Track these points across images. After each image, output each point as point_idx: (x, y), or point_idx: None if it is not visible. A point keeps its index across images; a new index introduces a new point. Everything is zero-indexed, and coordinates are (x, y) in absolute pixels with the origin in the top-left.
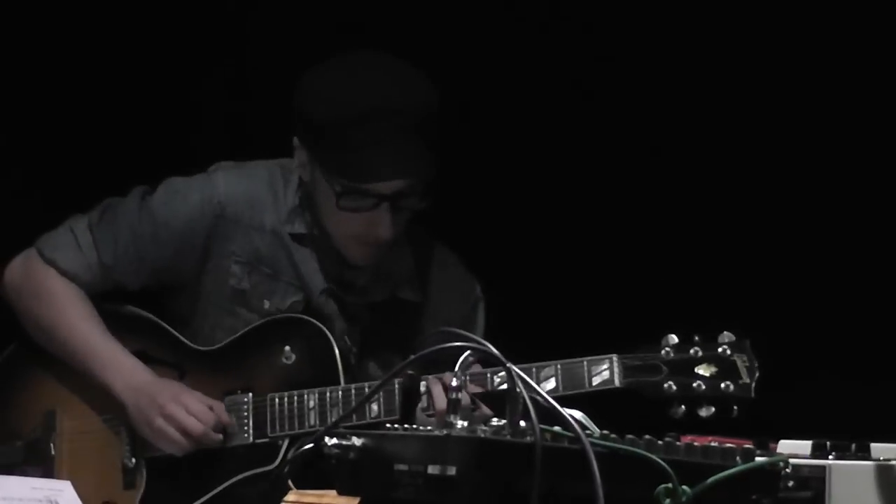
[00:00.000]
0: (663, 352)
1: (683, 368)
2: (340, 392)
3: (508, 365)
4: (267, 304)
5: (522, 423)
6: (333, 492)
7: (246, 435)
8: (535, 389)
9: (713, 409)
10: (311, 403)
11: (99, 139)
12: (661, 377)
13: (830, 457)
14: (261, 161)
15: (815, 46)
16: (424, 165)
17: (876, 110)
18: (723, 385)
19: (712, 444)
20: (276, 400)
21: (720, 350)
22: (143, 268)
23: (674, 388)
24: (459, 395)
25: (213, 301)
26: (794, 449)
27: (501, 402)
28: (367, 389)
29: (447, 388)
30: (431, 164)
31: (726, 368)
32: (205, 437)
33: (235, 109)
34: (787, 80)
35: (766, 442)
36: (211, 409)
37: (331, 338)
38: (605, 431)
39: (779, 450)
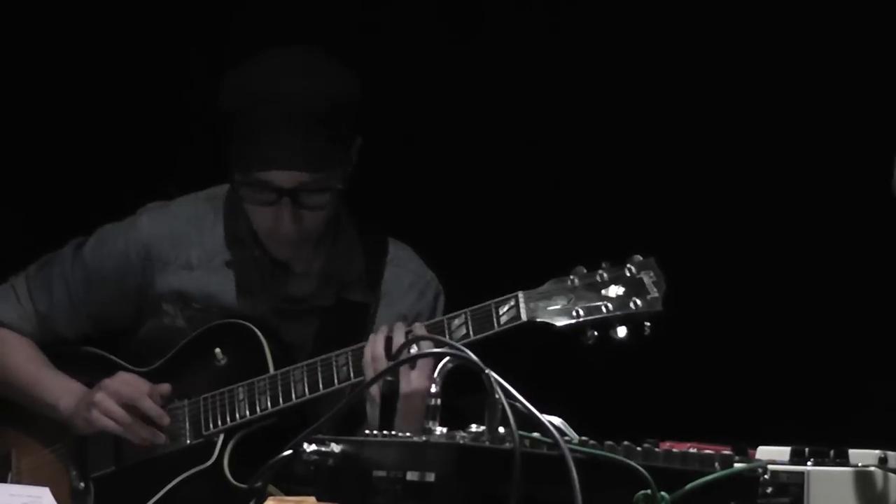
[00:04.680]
0: (570, 281)
1: (590, 293)
2: (267, 380)
3: (487, 371)
4: (202, 328)
5: (501, 430)
6: (312, 498)
7: (184, 438)
8: (513, 396)
9: (625, 329)
10: (241, 395)
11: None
12: (567, 305)
13: (809, 463)
14: (189, 196)
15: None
16: (325, 161)
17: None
18: (631, 303)
19: (691, 450)
20: (209, 399)
21: (626, 271)
22: (78, 316)
23: (581, 313)
24: (437, 400)
25: (155, 341)
26: (773, 455)
27: (478, 406)
28: (290, 374)
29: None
30: (336, 160)
31: (634, 286)
32: (141, 401)
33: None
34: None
35: (744, 448)
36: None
37: (258, 332)
38: (584, 437)
39: (757, 456)
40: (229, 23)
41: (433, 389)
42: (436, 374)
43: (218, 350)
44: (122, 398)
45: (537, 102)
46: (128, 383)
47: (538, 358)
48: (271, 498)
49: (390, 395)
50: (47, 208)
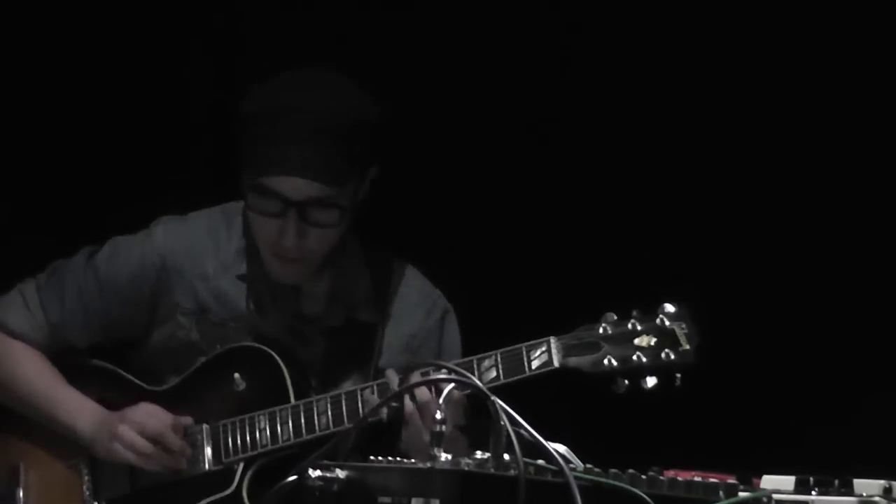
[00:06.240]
0: (601, 329)
1: (622, 342)
2: (289, 409)
3: (493, 398)
4: (219, 350)
5: (506, 456)
6: None
7: (202, 464)
8: (518, 423)
9: (656, 379)
10: (262, 424)
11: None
12: (600, 353)
13: (813, 492)
14: (203, 210)
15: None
16: (337, 176)
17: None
18: (663, 354)
19: (695, 478)
20: (229, 426)
21: (658, 321)
22: (90, 326)
23: (613, 362)
24: (443, 427)
25: (166, 354)
26: (778, 484)
27: (483, 433)
28: (314, 405)
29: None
30: (348, 178)
31: (666, 337)
32: (164, 436)
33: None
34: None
35: (749, 477)
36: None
37: (278, 359)
38: (589, 465)
39: (762, 485)
40: (236, 28)
41: (438, 416)
42: (440, 400)
43: (237, 375)
44: (145, 431)
45: (572, 135)
46: (151, 415)
47: (543, 385)
48: None
49: (395, 422)
50: (48, 213)
